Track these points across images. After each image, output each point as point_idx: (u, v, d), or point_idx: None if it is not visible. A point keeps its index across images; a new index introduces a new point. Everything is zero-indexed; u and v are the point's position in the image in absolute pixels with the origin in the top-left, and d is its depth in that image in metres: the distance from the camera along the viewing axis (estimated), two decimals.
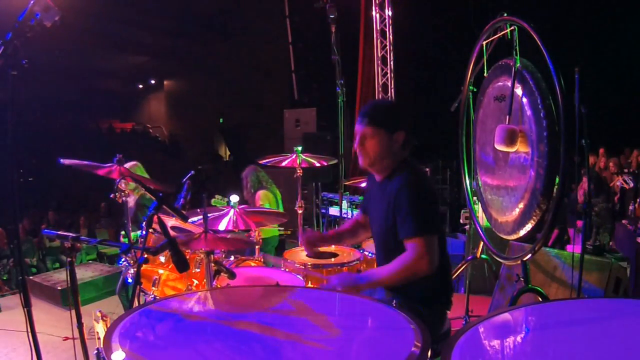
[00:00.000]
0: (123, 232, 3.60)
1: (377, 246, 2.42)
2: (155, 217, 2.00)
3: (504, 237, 3.12)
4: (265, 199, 5.21)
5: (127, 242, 3.51)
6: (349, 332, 1.73)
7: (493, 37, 3.21)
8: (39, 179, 14.03)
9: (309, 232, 2.71)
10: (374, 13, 8.71)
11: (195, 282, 3.01)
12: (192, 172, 2.85)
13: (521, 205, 2.83)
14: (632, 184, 6.53)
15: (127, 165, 4.36)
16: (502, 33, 3.05)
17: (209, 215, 2.62)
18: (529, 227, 2.78)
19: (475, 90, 3.58)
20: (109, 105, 22.53)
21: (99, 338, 2.74)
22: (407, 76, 9.13)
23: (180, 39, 19.42)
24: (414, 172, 2.22)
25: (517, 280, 3.00)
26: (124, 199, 3.29)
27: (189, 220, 2.78)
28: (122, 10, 16.64)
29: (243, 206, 3.19)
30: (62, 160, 3.15)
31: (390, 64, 8.76)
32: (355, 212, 5.38)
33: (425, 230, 2.09)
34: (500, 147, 2.86)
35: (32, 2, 2.03)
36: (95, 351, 1.80)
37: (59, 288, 5.28)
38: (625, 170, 7.56)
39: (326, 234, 3.01)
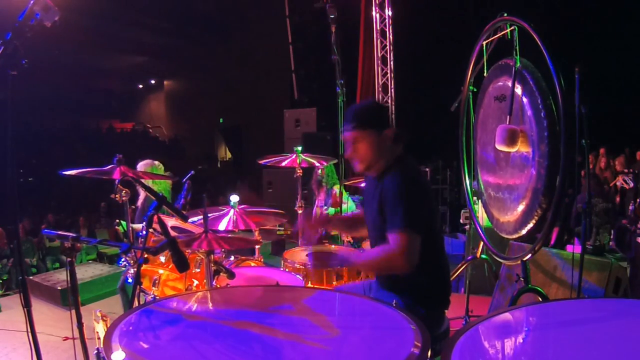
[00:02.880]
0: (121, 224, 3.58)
1: (371, 243, 2.43)
2: (155, 217, 2.00)
3: (506, 236, 3.11)
4: (344, 192, 5.27)
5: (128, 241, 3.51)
6: (349, 332, 1.73)
7: (493, 37, 3.21)
8: (39, 179, 14.04)
9: (308, 214, 2.66)
10: (374, 13, 8.71)
11: (195, 282, 3.01)
12: (192, 172, 2.85)
13: (523, 205, 2.83)
14: (632, 184, 6.53)
15: (142, 163, 4.38)
16: (502, 33, 3.05)
17: (209, 215, 2.62)
18: (530, 226, 2.78)
19: (475, 90, 3.58)
20: (109, 105, 22.59)
21: (99, 338, 2.74)
22: (407, 76, 9.13)
23: (180, 39, 19.44)
24: (406, 170, 2.21)
25: (517, 280, 3.00)
26: (124, 198, 3.29)
27: (189, 220, 2.78)
28: (122, 10, 16.65)
29: (243, 206, 3.18)
30: (63, 172, 3.14)
31: (390, 64, 8.77)
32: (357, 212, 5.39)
33: (408, 226, 2.06)
34: (501, 147, 2.86)
35: (32, 2, 2.03)
36: (95, 351, 1.80)
37: (59, 288, 5.28)
38: (626, 170, 7.56)
39: (325, 217, 2.99)
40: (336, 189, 5.20)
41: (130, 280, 3.27)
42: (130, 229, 3.55)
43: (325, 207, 5.25)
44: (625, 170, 7.51)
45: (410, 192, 2.14)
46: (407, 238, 2.04)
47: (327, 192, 5.30)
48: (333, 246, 3.65)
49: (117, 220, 3.58)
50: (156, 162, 4.49)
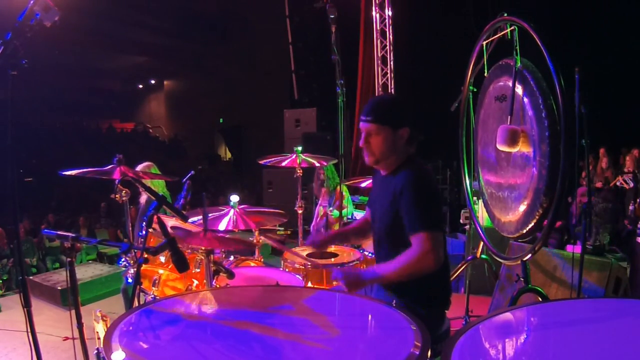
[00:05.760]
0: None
1: (376, 240, 2.41)
2: (155, 217, 2.00)
3: (508, 236, 3.11)
4: (345, 193, 5.30)
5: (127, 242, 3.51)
6: (349, 332, 1.73)
7: (493, 37, 3.21)
8: (39, 179, 14.03)
9: (315, 236, 2.66)
10: (374, 13, 8.71)
11: (195, 282, 3.01)
12: (192, 172, 2.85)
13: (524, 205, 2.83)
14: (632, 184, 6.54)
15: (141, 165, 4.39)
16: (502, 33, 3.05)
17: (208, 215, 2.62)
18: (532, 226, 2.78)
19: (475, 90, 3.58)
20: (109, 105, 22.59)
21: (99, 338, 2.74)
22: (407, 76, 9.12)
23: (180, 39, 19.44)
24: (419, 169, 2.22)
25: (517, 280, 3.00)
26: (124, 199, 3.29)
27: (189, 220, 2.78)
28: (122, 10, 16.66)
29: (243, 206, 3.18)
30: (62, 172, 3.14)
31: (390, 64, 8.76)
32: (356, 212, 5.39)
33: (431, 225, 2.08)
34: (502, 148, 2.86)
35: (32, 2, 2.03)
36: (95, 351, 1.80)
37: (59, 288, 5.28)
38: (625, 170, 7.57)
39: (331, 233, 2.97)
40: (340, 188, 5.23)
41: (130, 280, 3.27)
42: (130, 229, 3.55)
43: (331, 209, 5.24)
44: (625, 170, 7.52)
45: (426, 191, 2.16)
46: (431, 237, 2.06)
47: (330, 193, 5.31)
48: (332, 246, 3.64)
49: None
50: (154, 165, 4.51)
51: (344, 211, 4.97)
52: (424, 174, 2.23)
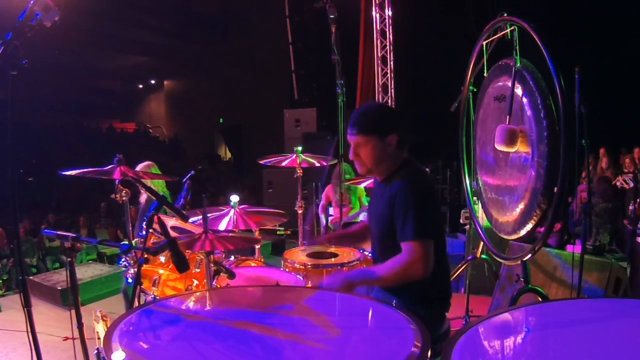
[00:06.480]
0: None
1: (374, 245, 2.42)
2: (155, 217, 2.00)
3: (505, 237, 3.11)
4: (361, 192, 5.34)
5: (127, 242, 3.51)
6: (349, 332, 1.72)
7: (493, 37, 3.21)
8: (39, 179, 14.04)
9: (313, 239, 2.68)
10: (374, 13, 8.72)
11: (195, 282, 3.01)
12: (192, 172, 2.85)
13: (522, 205, 2.83)
14: (632, 184, 6.54)
15: (141, 165, 4.39)
16: (502, 33, 3.05)
17: (208, 215, 2.62)
18: (529, 226, 2.78)
19: (475, 90, 3.58)
20: (109, 105, 22.62)
21: (99, 338, 2.74)
22: (407, 76, 9.13)
23: (180, 39, 19.46)
24: (415, 174, 2.21)
25: (517, 280, 3.00)
26: (124, 199, 3.29)
27: (189, 220, 2.78)
28: (122, 10, 16.67)
29: (244, 206, 3.18)
30: (62, 172, 3.14)
31: (390, 64, 8.77)
32: (363, 213, 5.41)
33: (422, 234, 2.08)
34: (500, 147, 2.86)
35: (32, 2, 2.03)
36: (95, 351, 1.80)
37: (59, 288, 5.28)
38: (626, 170, 7.57)
39: (331, 235, 2.98)
40: (360, 190, 5.27)
41: (130, 280, 3.27)
42: (130, 229, 3.55)
43: (361, 215, 5.21)
44: (625, 171, 7.53)
45: (420, 198, 2.14)
46: (421, 245, 2.06)
47: (352, 194, 5.32)
48: (332, 247, 3.64)
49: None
50: (154, 164, 4.51)
51: (352, 211, 4.99)
52: (419, 179, 2.21)
